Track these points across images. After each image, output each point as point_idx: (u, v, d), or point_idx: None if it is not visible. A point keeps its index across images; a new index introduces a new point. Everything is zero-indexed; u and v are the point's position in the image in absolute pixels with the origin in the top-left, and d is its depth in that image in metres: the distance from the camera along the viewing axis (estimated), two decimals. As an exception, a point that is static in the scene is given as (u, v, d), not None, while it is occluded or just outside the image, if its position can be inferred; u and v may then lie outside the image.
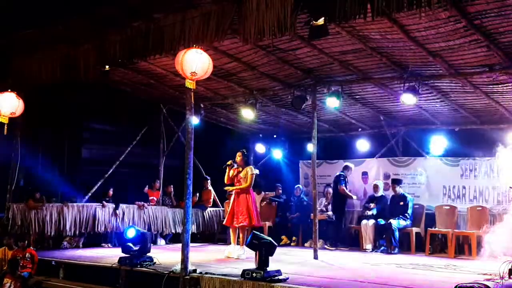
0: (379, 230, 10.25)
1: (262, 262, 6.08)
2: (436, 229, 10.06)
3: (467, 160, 10.69)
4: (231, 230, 9.09)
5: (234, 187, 8.82)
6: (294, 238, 11.61)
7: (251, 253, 6.68)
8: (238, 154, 8.94)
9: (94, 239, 10.54)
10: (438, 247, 10.19)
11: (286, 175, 13.64)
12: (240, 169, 8.88)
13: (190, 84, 6.51)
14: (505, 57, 7.38)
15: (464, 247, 9.75)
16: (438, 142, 11.15)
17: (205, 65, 6.49)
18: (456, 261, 8.84)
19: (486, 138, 10.67)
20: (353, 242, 10.79)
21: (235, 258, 8.49)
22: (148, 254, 7.52)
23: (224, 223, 9.28)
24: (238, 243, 8.80)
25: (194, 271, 6.57)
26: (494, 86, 8.63)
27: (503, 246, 7.64)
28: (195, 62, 6.37)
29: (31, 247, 8.56)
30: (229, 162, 8.96)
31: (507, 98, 9.21)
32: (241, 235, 8.80)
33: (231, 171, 8.92)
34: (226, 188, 9.14)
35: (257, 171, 9.16)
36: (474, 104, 9.87)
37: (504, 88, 8.63)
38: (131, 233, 7.72)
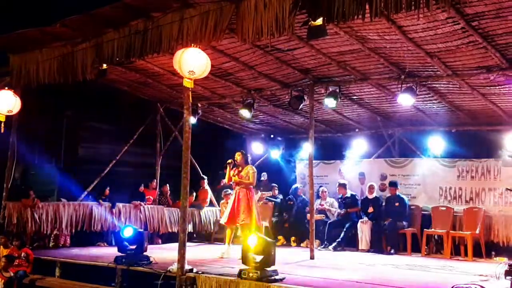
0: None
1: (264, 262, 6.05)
2: (432, 230, 10.08)
3: (464, 161, 10.69)
4: (228, 229, 8.90)
5: (238, 179, 8.63)
6: (293, 238, 11.60)
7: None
8: (238, 154, 8.85)
9: (90, 237, 10.51)
10: (434, 248, 10.21)
11: (283, 175, 13.62)
12: (240, 168, 8.77)
13: (188, 83, 6.49)
14: (502, 58, 7.40)
15: (460, 248, 9.76)
16: (435, 143, 11.17)
17: (203, 64, 6.47)
18: (452, 262, 8.87)
19: (483, 139, 10.72)
20: (350, 243, 10.78)
21: (225, 257, 8.41)
22: (144, 253, 7.49)
23: (224, 222, 8.92)
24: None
25: (191, 270, 6.56)
26: (491, 87, 8.65)
27: None
28: (193, 61, 6.35)
29: (26, 246, 8.52)
30: (229, 161, 8.84)
31: (504, 100, 9.23)
32: (242, 234, 8.63)
33: (232, 171, 8.81)
34: (232, 181, 8.82)
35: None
36: (471, 106, 9.90)
37: (501, 89, 8.65)
38: (128, 232, 7.66)
